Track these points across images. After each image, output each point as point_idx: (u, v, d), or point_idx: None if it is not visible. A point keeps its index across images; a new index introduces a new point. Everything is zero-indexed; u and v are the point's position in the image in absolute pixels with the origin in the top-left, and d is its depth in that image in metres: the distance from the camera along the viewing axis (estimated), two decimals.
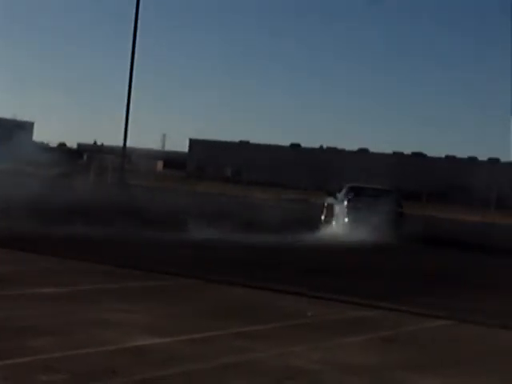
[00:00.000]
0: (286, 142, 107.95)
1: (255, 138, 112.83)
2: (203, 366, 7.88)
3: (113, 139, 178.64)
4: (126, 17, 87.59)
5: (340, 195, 30.58)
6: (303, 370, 8.04)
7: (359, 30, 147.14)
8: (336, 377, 8.00)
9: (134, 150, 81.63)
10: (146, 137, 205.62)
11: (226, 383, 7.42)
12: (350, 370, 8.29)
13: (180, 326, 9.67)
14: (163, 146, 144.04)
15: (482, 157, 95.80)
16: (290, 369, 8.06)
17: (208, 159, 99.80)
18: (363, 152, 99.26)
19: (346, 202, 29.06)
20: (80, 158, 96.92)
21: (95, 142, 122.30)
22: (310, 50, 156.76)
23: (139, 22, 58.33)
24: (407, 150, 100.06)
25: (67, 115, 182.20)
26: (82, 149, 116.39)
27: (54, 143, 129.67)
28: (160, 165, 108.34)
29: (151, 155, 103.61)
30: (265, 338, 9.47)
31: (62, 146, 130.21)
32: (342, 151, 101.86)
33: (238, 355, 8.43)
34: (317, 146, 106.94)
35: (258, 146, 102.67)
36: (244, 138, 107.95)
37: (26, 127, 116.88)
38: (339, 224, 28.55)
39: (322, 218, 30.44)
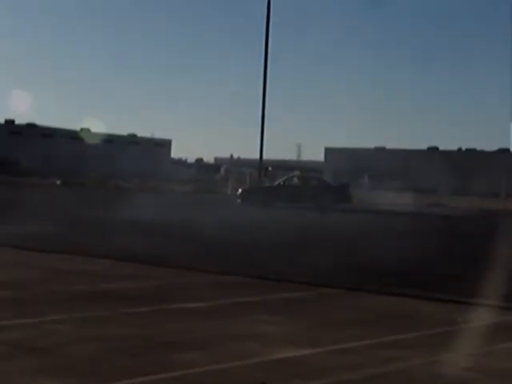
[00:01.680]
0: (422, 146, 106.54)
1: (390, 144, 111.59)
2: (350, 376, 7.73)
3: (249, 152, 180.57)
4: (257, 27, 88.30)
5: None
6: (456, 379, 7.78)
7: None
8: None
9: (270, 162, 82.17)
10: (281, 148, 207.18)
11: None
12: (507, 377, 7.97)
13: (324, 337, 9.54)
14: (299, 155, 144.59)
15: None
16: (441, 377, 7.81)
17: (344, 167, 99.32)
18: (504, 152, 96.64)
19: None
20: (217, 172, 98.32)
21: (232, 156, 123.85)
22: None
23: (270, 33, 58.77)
24: None
25: (204, 131, 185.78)
26: (218, 163, 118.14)
27: (191, 159, 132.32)
28: (296, 174, 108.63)
29: (287, 166, 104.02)
30: (412, 346, 9.24)
31: (199, 161, 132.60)
32: (482, 152, 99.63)
33: (385, 365, 8.24)
34: (455, 148, 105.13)
35: (394, 152, 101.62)
36: (379, 144, 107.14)
37: (164, 145, 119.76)
38: None
39: None
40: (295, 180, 46.41)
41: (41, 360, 7.77)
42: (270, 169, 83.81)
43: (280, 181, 45.56)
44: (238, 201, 42.39)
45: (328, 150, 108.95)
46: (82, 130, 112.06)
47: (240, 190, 43.99)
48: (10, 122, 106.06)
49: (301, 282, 13.82)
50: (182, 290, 12.74)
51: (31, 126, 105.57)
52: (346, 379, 7.63)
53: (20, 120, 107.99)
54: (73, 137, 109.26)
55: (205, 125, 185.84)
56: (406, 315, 11.44)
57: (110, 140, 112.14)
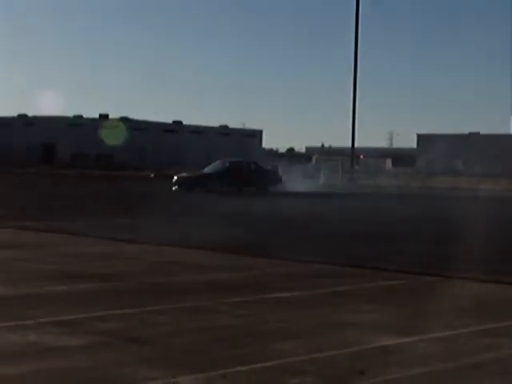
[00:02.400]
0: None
1: (483, 129, 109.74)
2: (450, 365, 7.68)
3: (340, 140, 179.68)
4: (348, 16, 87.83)
5: None
6: None
7: None
8: None
9: (362, 150, 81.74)
10: (373, 135, 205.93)
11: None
12: None
13: (421, 325, 9.48)
14: (391, 143, 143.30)
15: None
16: None
17: (437, 153, 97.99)
18: None
19: None
20: (309, 162, 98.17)
21: (323, 145, 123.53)
22: None
23: (360, 20, 58.39)
24: None
25: (295, 120, 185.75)
26: (310, 152, 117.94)
27: (282, 149, 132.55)
28: (389, 163, 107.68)
29: (379, 153, 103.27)
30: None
31: (290, 150, 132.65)
32: None
33: (483, 354, 8.15)
34: None
35: (487, 137, 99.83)
36: (472, 130, 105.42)
37: (255, 135, 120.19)
38: None
39: None
40: (228, 165, 46.00)
41: (142, 350, 7.94)
42: (361, 157, 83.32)
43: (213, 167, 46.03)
44: (174, 188, 42.24)
45: (421, 137, 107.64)
46: (174, 122, 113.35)
47: (175, 178, 43.38)
48: (104, 117, 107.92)
49: (396, 270, 13.76)
50: (277, 279, 12.82)
51: (124, 120, 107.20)
52: (443, 368, 7.58)
53: (114, 114, 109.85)
54: (166, 130, 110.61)
55: (296, 114, 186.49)
56: (505, 303, 11.28)
57: (202, 132, 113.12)
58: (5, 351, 7.71)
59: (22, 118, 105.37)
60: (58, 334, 8.46)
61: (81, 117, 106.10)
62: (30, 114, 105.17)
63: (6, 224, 20.14)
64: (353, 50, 59.46)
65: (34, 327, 8.72)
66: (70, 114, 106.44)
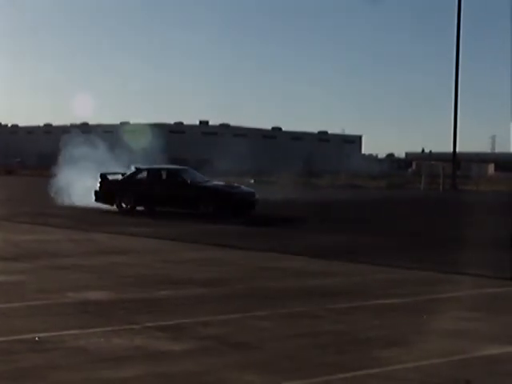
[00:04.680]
0: None
1: None
2: None
3: (441, 145, 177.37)
4: (446, 16, 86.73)
5: None
6: None
7: None
8: None
9: (463, 155, 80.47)
10: (474, 140, 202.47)
11: None
12: None
13: None
14: (493, 148, 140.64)
15: None
16: None
17: None
18: None
19: None
20: (409, 167, 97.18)
21: (423, 150, 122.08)
22: None
23: (462, 25, 57.58)
24: None
25: (395, 125, 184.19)
26: (410, 158, 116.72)
27: (382, 154, 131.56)
28: (491, 168, 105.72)
29: (481, 159, 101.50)
30: None
31: (390, 156, 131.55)
32: None
33: None
34: None
35: None
36: None
37: (354, 141, 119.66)
38: None
39: None
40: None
41: (245, 355, 8.01)
42: (462, 162, 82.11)
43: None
44: None
45: None
46: (272, 128, 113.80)
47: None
48: (204, 123, 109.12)
49: (496, 277, 13.53)
50: (379, 285, 12.75)
51: (224, 127, 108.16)
52: None
53: (214, 121, 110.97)
54: (265, 136, 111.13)
55: (396, 120, 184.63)
56: None
57: (300, 137, 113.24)
58: (111, 355, 7.88)
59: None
60: (163, 338, 8.61)
61: (181, 124, 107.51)
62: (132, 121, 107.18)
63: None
64: (454, 54, 58.73)
65: (139, 332, 8.89)
66: (170, 121, 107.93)
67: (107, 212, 27.59)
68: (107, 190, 28.84)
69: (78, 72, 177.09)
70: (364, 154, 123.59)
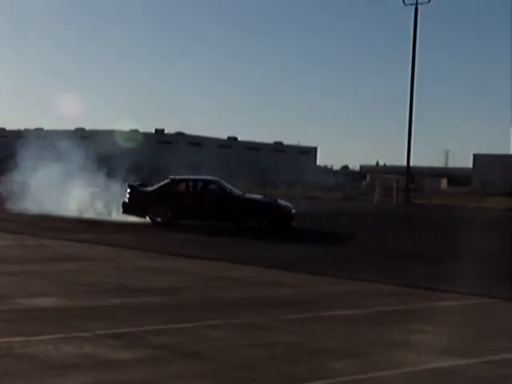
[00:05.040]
0: None
1: None
2: None
3: (396, 159, 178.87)
4: (404, 35, 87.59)
5: None
6: None
7: None
8: None
9: (417, 169, 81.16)
10: (428, 155, 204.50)
11: None
12: None
13: (478, 347, 9.38)
14: (446, 162, 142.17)
15: None
16: None
17: (493, 174, 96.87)
18: None
19: None
20: (363, 180, 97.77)
21: (377, 163, 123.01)
22: None
23: (418, 40, 58.21)
24: None
25: (350, 138, 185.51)
26: (364, 170, 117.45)
27: (337, 166, 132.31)
28: (444, 182, 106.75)
29: (435, 173, 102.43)
30: None
31: (345, 168, 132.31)
32: None
33: None
34: None
35: None
36: None
37: (310, 152, 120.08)
38: None
39: None
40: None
41: (198, 365, 7.96)
42: (416, 176, 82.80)
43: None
44: None
45: (477, 157, 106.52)
46: (228, 138, 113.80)
47: None
48: (160, 131, 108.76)
49: (450, 290, 13.64)
50: (332, 297, 12.78)
51: (179, 135, 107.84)
52: None
53: (169, 129, 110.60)
54: (220, 145, 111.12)
55: (351, 132, 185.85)
56: None
57: (256, 148, 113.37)
58: (60, 362, 7.79)
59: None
60: (114, 346, 8.53)
61: (137, 131, 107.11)
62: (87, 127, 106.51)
63: None
64: (410, 67, 59.29)
65: (90, 339, 8.80)
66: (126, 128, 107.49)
67: (62, 220, 27.22)
68: (139, 201, 27.16)
69: (29, 76, 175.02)
70: (319, 166, 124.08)
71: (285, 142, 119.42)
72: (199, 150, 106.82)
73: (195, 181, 28.57)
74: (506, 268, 17.88)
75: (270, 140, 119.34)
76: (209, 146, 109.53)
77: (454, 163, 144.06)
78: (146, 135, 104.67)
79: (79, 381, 7.18)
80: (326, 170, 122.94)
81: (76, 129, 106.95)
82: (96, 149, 34.13)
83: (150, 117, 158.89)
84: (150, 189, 27.95)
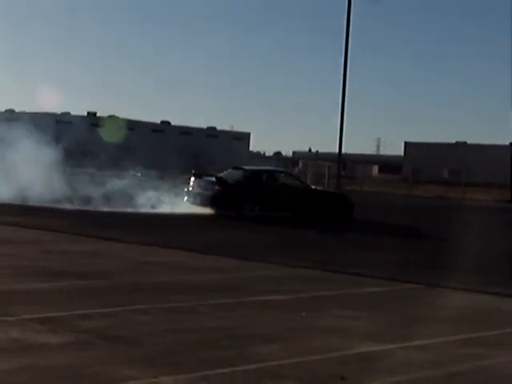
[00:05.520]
0: (504, 141, 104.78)
1: (470, 139, 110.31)
2: (430, 373, 7.71)
3: (328, 146, 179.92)
4: (339, 23, 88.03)
5: None
6: None
7: None
8: None
9: (349, 156, 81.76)
10: (360, 142, 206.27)
11: None
12: None
13: (403, 333, 9.52)
14: (378, 150, 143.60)
15: None
16: None
17: (424, 162, 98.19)
18: None
19: None
20: (295, 166, 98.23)
21: (310, 150, 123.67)
22: None
23: (351, 27, 58.52)
24: None
25: (283, 124, 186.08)
26: (297, 156, 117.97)
27: (270, 152, 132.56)
28: (375, 169, 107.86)
29: (366, 160, 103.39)
30: (494, 344, 9.15)
31: (277, 154, 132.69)
32: None
33: (466, 363, 8.19)
34: None
35: (476, 147, 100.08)
36: (458, 139, 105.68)
37: (243, 138, 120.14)
38: None
39: None
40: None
41: (124, 349, 7.93)
42: (348, 163, 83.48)
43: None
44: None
45: (408, 145, 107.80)
46: (161, 122, 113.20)
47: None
48: (91, 114, 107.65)
49: (376, 276, 13.83)
50: (262, 282, 12.84)
51: (112, 118, 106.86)
52: (425, 376, 7.61)
53: (102, 112, 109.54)
54: (153, 129, 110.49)
55: (284, 119, 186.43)
56: (486, 312, 11.33)
57: (189, 132, 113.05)
58: None
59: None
60: (40, 331, 8.44)
61: (68, 114, 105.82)
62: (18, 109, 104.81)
63: None
64: (343, 55, 59.59)
65: (15, 324, 8.70)
66: (58, 111, 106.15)
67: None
68: (227, 194, 25.95)
69: None
70: (252, 152, 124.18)
71: (218, 127, 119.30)
72: (132, 134, 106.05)
73: (274, 172, 29.22)
74: (429, 255, 18.22)
75: (203, 125, 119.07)
76: (141, 130, 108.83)
77: (385, 151, 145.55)
78: (78, 118, 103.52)
79: (4, 366, 7.09)
80: (259, 156, 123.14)
81: (6, 110, 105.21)
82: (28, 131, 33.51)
83: (82, 99, 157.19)
84: (233, 181, 26.70)
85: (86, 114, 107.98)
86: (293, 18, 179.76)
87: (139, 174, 55.04)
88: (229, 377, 7.17)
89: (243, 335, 8.85)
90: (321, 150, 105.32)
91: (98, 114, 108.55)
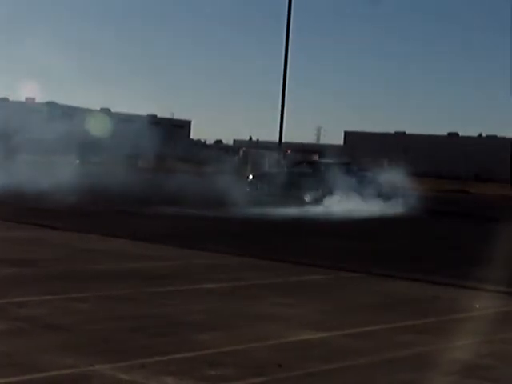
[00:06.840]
0: (442, 132, 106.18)
1: (411, 129, 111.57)
2: (366, 360, 7.77)
3: (269, 134, 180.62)
4: (280, 12, 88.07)
5: None
6: (473, 365, 7.80)
7: None
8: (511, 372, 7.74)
9: (289, 145, 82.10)
10: (301, 131, 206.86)
11: (392, 378, 7.28)
12: None
13: (340, 320, 9.60)
14: (318, 139, 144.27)
15: None
16: (457, 363, 7.83)
17: (363, 151, 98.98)
18: None
19: None
20: (236, 155, 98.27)
21: (251, 138, 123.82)
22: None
23: (292, 16, 58.62)
24: None
25: (223, 113, 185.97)
26: (237, 145, 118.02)
27: (210, 140, 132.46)
28: (316, 158, 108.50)
29: (307, 149, 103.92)
30: (429, 331, 9.27)
31: (218, 142, 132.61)
32: (503, 139, 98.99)
33: (401, 350, 8.28)
34: (475, 134, 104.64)
35: (414, 137, 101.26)
36: (399, 129, 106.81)
37: (184, 125, 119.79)
38: None
39: None
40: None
41: (60, 337, 7.86)
42: (288, 151, 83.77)
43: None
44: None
45: (348, 134, 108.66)
46: (101, 109, 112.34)
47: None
48: (31, 100, 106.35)
49: (316, 264, 13.92)
50: (203, 270, 12.84)
51: (52, 105, 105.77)
52: (362, 363, 7.67)
53: (41, 98, 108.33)
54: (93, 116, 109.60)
55: (225, 107, 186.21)
56: (422, 300, 11.47)
57: (129, 120, 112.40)
58: None
59: None
60: None
61: (7, 99, 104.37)
62: None
63: None
64: (283, 42, 59.67)
65: None
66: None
67: None
68: None
69: None
70: (192, 140, 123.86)
71: (159, 115, 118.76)
72: (71, 121, 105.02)
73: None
74: (367, 243, 18.40)
75: (143, 112, 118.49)
76: (81, 117, 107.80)
77: (325, 140, 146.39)
78: (16, 104, 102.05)
79: None
80: (200, 144, 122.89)
81: None
82: None
83: (19, 85, 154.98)
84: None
85: (23, 99, 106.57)
86: (233, 1, 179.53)
87: (77, 162, 54.62)
88: (167, 364, 7.14)
89: (182, 323, 8.83)
90: (261, 139, 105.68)
91: (36, 101, 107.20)
